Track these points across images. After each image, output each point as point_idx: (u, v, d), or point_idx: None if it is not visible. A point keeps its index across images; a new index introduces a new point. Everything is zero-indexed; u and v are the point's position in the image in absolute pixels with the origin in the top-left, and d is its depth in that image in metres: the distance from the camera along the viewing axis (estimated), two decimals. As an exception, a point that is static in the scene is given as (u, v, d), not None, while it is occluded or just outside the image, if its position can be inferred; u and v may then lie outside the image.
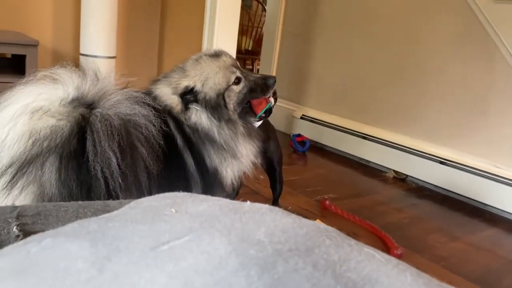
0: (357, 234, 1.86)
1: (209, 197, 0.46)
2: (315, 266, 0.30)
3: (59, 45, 2.75)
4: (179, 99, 1.15)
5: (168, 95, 1.16)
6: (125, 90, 1.02)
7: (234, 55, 2.64)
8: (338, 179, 2.62)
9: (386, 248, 1.76)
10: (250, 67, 4.93)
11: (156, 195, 0.46)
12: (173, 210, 0.38)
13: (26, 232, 0.50)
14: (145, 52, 3.15)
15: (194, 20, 2.94)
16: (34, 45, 2.24)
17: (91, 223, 0.35)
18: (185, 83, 1.16)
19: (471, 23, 2.42)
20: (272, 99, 1.28)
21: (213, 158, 1.15)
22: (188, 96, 1.15)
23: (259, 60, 4.22)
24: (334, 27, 3.18)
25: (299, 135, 3.09)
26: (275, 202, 1.91)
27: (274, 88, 1.25)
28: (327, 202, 2.08)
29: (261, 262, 0.29)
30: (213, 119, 1.15)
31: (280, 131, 3.41)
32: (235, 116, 1.19)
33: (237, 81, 1.19)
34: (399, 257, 1.69)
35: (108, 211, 0.45)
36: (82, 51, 2.43)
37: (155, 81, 1.22)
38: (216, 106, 1.16)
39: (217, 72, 1.17)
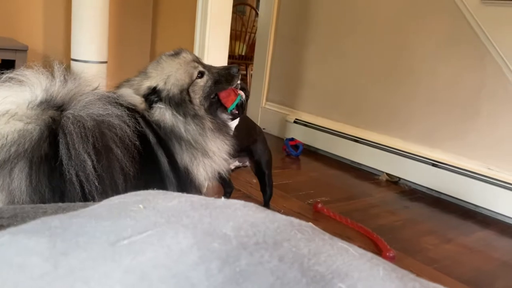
0: (350, 237, 1.84)
1: (183, 194, 0.44)
2: (281, 259, 0.28)
3: (50, 50, 2.74)
4: (142, 99, 1.13)
5: (130, 94, 1.14)
6: (96, 90, 0.99)
7: (225, 59, 2.63)
8: (331, 183, 2.61)
9: (378, 250, 1.75)
10: (244, 72, 4.92)
11: (129, 193, 0.45)
12: (141, 206, 0.37)
13: (0, 234, 0.49)
14: (136, 57, 3.14)
15: (186, 25, 2.93)
16: (24, 50, 2.22)
17: (54, 220, 0.34)
18: (147, 83, 1.15)
19: (460, 25, 2.43)
20: (242, 93, 1.26)
21: (183, 156, 1.13)
22: (152, 96, 1.13)
23: (252, 65, 4.22)
24: (326, 32, 3.19)
25: (292, 139, 3.09)
26: (265, 205, 1.89)
27: (239, 77, 1.23)
28: (320, 205, 2.07)
29: (223, 255, 0.28)
30: (178, 115, 1.13)
31: (274, 135, 3.40)
32: (201, 112, 1.18)
33: (200, 75, 1.19)
34: (391, 259, 1.68)
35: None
36: (73, 56, 2.41)
37: (118, 86, 1.20)
38: (180, 102, 1.14)
39: (178, 68, 1.17)
